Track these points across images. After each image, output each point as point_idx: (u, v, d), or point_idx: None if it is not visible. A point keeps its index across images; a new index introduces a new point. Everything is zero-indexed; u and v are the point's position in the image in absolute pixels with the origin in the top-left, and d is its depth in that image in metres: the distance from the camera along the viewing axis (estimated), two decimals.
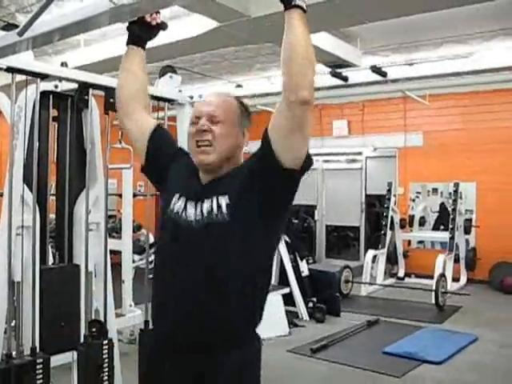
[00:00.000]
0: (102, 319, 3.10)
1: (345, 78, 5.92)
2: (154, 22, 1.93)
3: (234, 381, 1.69)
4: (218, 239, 1.67)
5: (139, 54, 1.98)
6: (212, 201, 1.69)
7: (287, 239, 6.63)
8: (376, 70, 5.73)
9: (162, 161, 1.91)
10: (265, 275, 1.78)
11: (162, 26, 1.97)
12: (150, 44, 2.02)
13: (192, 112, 1.84)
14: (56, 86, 3.10)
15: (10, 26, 2.50)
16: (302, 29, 1.55)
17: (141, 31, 1.94)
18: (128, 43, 1.98)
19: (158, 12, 1.93)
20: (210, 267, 1.66)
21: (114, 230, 7.56)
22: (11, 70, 2.69)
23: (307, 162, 1.63)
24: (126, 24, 1.94)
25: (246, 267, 1.67)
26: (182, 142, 2.38)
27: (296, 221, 9.75)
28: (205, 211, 1.69)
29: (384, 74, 5.76)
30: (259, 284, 1.74)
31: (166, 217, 1.79)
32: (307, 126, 1.59)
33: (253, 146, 1.77)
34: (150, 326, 1.85)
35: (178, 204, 1.76)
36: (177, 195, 1.78)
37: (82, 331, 3.05)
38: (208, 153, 1.73)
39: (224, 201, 1.67)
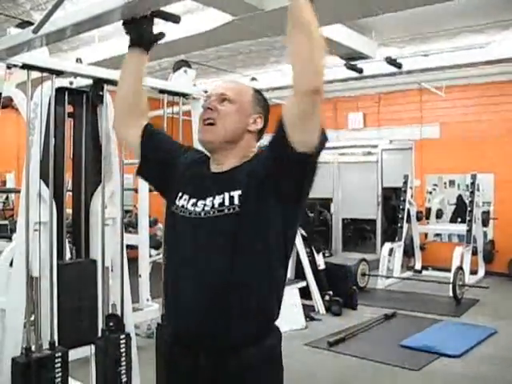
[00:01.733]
0: (119, 313, 3.12)
1: (360, 70, 5.87)
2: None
3: (255, 375, 1.64)
4: (230, 231, 1.61)
5: (140, 57, 1.87)
6: (224, 196, 1.63)
7: (303, 233, 6.61)
8: (391, 61, 5.67)
9: (159, 162, 1.86)
10: (280, 267, 1.70)
11: (176, 20, 1.94)
12: (164, 39, 1.96)
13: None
14: (71, 83, 3.12)
15: (25, 24, 2.50)
16: (305, 15, 1.46)
17: (141, 29, 1.82)
18: (129, 46, 1.86)
19: None
20: (223, 261, 1.60)
21: (130, 225, 7.61)
22: (27, 66, 2.71)
23: (320, 145, 1.55)
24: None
25: (261, 259, 1.62)
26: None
27: (312, 214, 9.75)
28: (216, 204, 1.63)
29: (399, 66, 5.69)
30: (275, 276, 1.67)
31: (173, 214, 1.73)
32: (318, 113, 1.52)
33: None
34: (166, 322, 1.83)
35: (183, 200, 1.71)
36: (180, 193, 1.73)
37: (100, 325, 3.08)
38: (210, 131, 1.69)
39: (236, 193, 1.61)
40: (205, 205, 1.65)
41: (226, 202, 1.61)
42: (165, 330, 1.82)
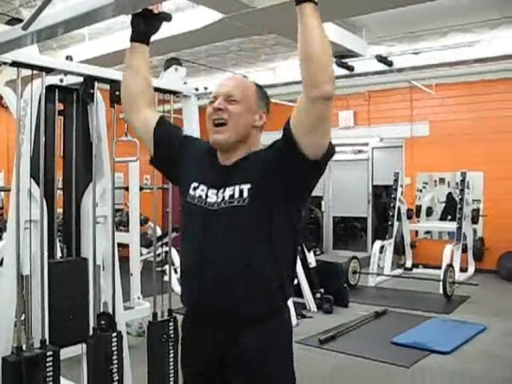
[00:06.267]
0: (110, 312, 3.11)
1: (350, 68, 5.89)
2: (156, 11, 1.91)
3: (264, 352, 1.77)
4: (240, 221, 1.73)
5: (143, 50, 1.97)
6: (234, 189, 1.74)
7: None
8: (382, 59, 5.70)
9: (170, 151, 1.96)
10: (288, 251, 1.82)
11: (166, 17, 1.96)
12: (154, 37, 2.01)
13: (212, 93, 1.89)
14: (61, 80, 3.10)
15: (14, 21, 2.49)
16: (316, 24, 1.54)
17: (144, 25, 1.93)
18: (132, 39, 1.97)
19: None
20: (234, 248, 1.73)
21: (121, 224, 7.60)
22: (16, 64, 2.68)
23: (330, 151, 1.67)
24: (130, 18, 1.93)
25: (267, 246, 1.73)
26: (189, 133, 2.40)
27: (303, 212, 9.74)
28: (227, 196, 1.75)
29: (390, 63, 5.72)
30: (281, 259, 1.79)
31: (187, 203, 1.85)
32: (330, 118, 1.65)
33: (267, 137, 1.82)
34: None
35: (198, 191, 1.83)
36: (195, 183, 1.84)
37: (91, 324, 3.07)
38: (223, 132, 1.79)
39: (246, 187, 1.73)
40: (217, 196, 1.78)
41: (236, 195, 1.74)
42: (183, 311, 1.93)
